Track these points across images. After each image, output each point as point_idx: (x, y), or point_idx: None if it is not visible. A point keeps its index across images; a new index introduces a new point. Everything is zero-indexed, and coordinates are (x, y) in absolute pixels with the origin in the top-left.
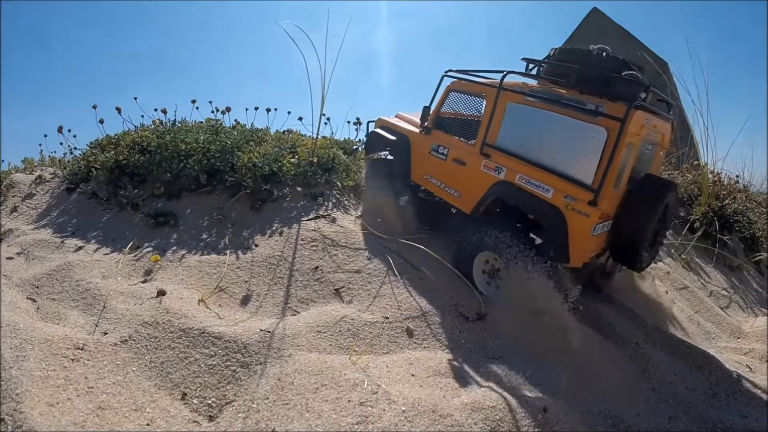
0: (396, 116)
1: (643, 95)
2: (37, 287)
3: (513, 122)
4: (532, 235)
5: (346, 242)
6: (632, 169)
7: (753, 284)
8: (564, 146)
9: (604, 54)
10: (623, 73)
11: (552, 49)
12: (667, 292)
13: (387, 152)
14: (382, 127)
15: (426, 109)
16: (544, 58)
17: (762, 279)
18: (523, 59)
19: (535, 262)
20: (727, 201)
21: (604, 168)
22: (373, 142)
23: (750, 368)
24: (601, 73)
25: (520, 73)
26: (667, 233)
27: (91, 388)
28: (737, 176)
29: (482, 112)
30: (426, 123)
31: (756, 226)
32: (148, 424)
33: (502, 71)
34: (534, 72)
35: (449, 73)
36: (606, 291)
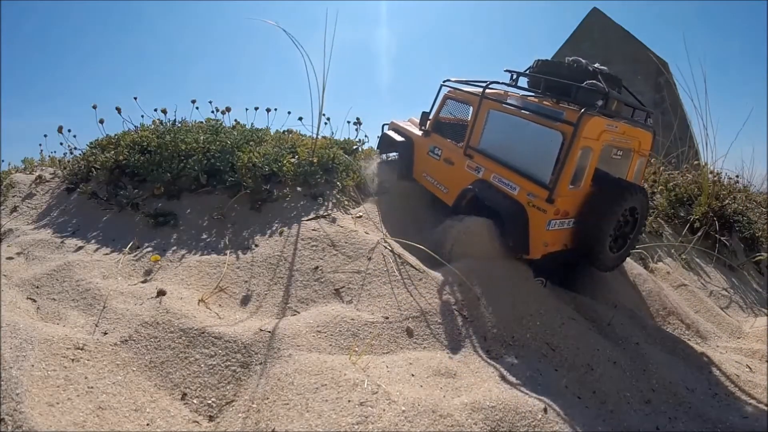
0: (408, 120)
1: (599, 103)
2: (37, 287)
3: (492, 127)
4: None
5: (346, 242)
6: (602, 171)
7: (753, 284)
8: (529, 148)
9: (575, 65)
10: (584, 83)
11: (535, 60)
12: (664, 291)
13: (396, 153)
14: (393, 130)
15: (425, 114)
16: (526, 70)
17: (762, 279)
18: (506, 71)
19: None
20: (727, 201)
21: (559, 168)
22: (384, 142)
23: (750, 368)
24: (563, 82)
25: (503, 83)
26: (640, 237)
27: (91, 388)
28: (737, 176)
29: (469, 117)
30: (425, 127)
31: (756, 226)
32: (148, 424)
33: (493, 81)
34: (522, 81)
35: (446, 83)
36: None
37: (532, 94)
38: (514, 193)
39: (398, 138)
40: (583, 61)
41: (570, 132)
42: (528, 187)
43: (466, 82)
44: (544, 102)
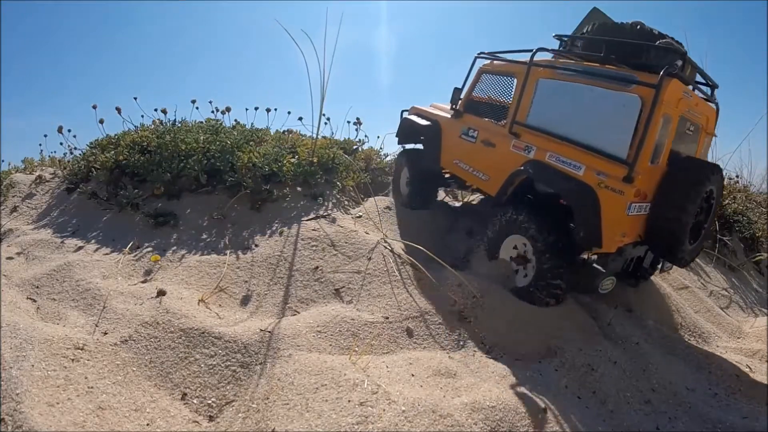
0: (430, 106)
1: (679, 63)
2: (37, 287)
3: (543, 98)
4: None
5: (346, 242)
6: (672, 150)
7: (753, 284)
8: (596, 119)
9: (638, 27)
10: (657, 42)
11: (585, 26)
12: (664, 291)
13: (420, 141)
14: (415, 114)
15: (457, 90)
16: (577, 34)
17: (762, 279)
18: (555, 36)
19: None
20: (727, 201)
21: (639, 140)
22: (405, 128)
23: (750, 368)
24: (633, 42)
25: (551, 50)
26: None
27: (91, 388)
28: (737, 176)
29: (513, 90)
30: (456, 106)
31: (756, 226)
32: (148, 424)
33: (540, 48)
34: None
35: (481, 55)
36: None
37: (592, 59)
38: (578, 173)
39: (422, 122)
40: (644, 23)
41: (650, 95)
42: (597, 164)
43: (504, 53)
44: (610, 66)
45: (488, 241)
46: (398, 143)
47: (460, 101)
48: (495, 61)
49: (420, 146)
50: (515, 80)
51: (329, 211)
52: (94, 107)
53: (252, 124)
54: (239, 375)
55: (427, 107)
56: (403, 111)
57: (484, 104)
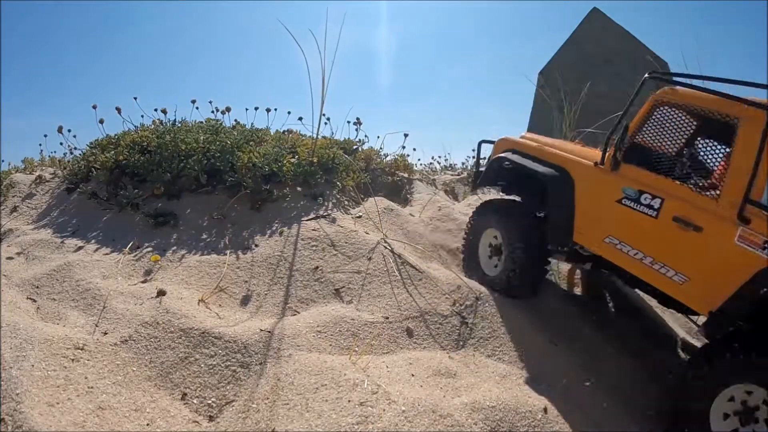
0: (522, 137)
1: None
2: (37, 287)
3: None
4: None
5: (346, 242)
6: None
7: None
8: None
9: None
10: None
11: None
12: None
13: (502, 189)
14: (513, 151)
15: (625, 129)
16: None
17: None
18: None
19: None
20: None
21: None
22: (498, 173)
23: None
24: None
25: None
26: None
27: (91, 388)
28: None
29: (733, 144)
30: (621, 149)
31: None
32: (148, 424)
33: (748, 83)
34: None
35: (654, 75)
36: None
37: None
38: None
39: (539, 168)
40: None
41: None
42: None
43: (685, 77)
44: None
45: (680, 392)
46: (474, 187)
47: (623, 145)
48: (685, 90)
49: (508, 196)
50: (738, 127)
51: (329, 211)
52: (94, 107)
53: (252, 124)
54: (239, 375)
55: (521, 139)
56: (481, 142)
57: (666, 156)
